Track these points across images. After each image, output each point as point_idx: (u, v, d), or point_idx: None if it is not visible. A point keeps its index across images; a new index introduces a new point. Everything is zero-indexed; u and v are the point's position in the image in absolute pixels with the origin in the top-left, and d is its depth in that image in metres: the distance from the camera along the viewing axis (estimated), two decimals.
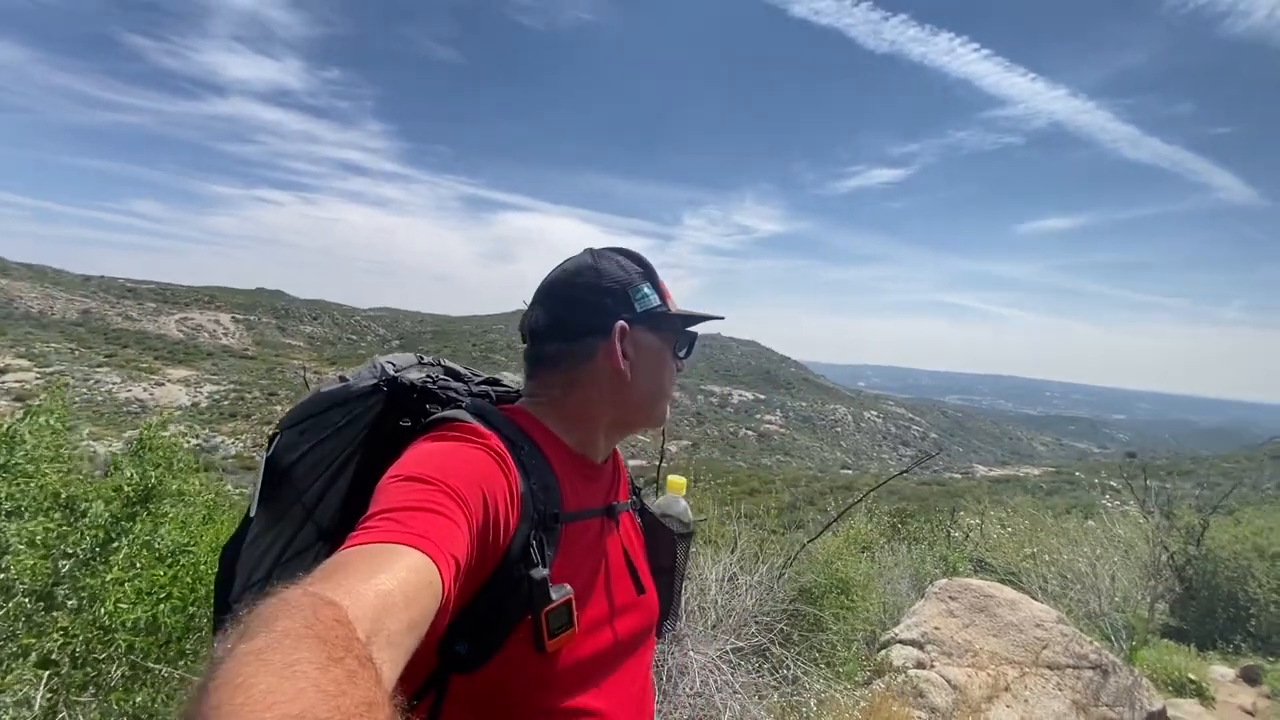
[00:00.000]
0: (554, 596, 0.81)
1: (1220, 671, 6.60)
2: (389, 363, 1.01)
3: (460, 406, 0.94)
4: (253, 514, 0.95)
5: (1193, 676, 5.99)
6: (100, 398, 55.62)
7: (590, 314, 0.97)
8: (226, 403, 62.76)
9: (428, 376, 1.02)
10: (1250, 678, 6.41)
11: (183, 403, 59.31)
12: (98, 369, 60.24)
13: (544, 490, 0.87)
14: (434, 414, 0.94)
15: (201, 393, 63.08)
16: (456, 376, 1.08)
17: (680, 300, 1.08)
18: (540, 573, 0.81)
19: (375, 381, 0.97)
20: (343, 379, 0.99)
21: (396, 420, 0.97)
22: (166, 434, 3.33)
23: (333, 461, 0.96)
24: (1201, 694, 5.78)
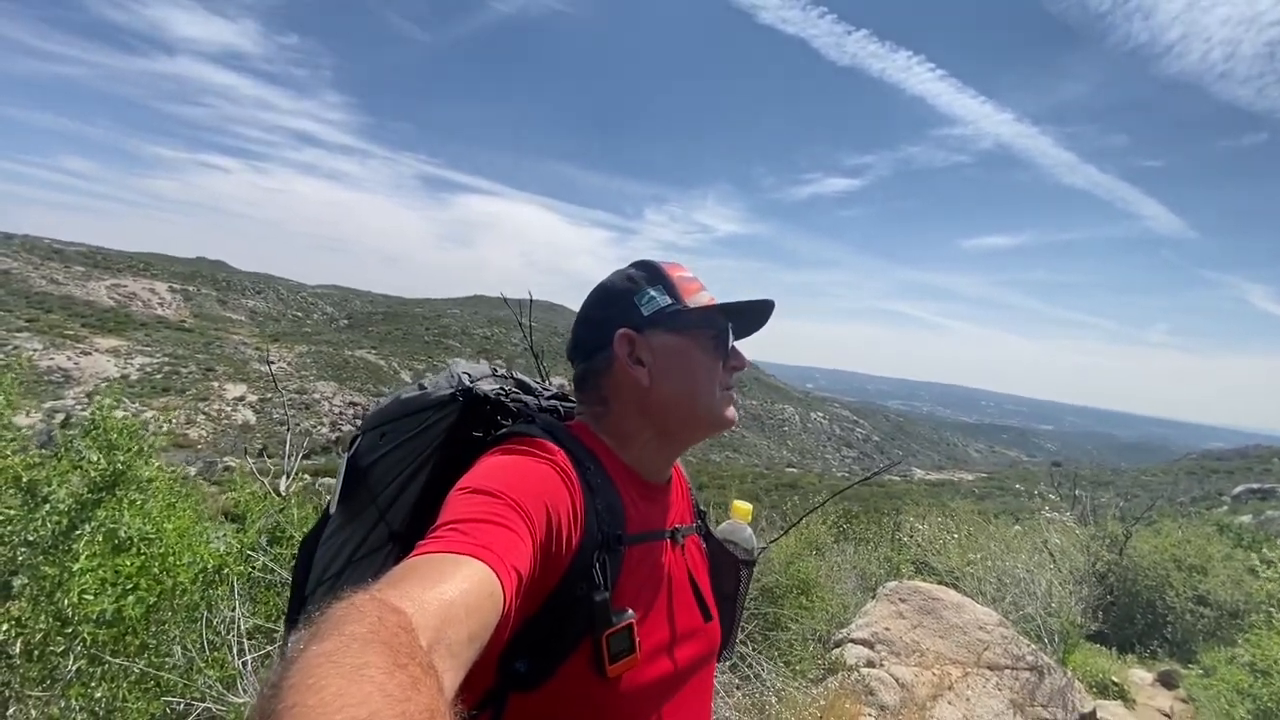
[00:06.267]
0: (615, 620, 0.81)
1: (1139, 675, 7.02)
2: (465, 373, 1.02)
3: (530, 421, 0.95)
4: (331, 510, 0.98)
5: (1115, 679, 6.36)
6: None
7: (598, 329, 0.99)
8: (159, 376, 59.87)
9: (500, 389, 1.02)
10: (1167, 682, 6.83)
11: (110, 374, 56.26)
12: (16, 334, 56.52)
13: (608, 510, 0.86)
14: (504, 426, 0.94)
15: (132, 364, 59.95)
16: (527, 389, 1.08)
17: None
18: (602, 595, 0.80)
19: (452, 391, 0.98)
20: (422, 387, 1.00)
21: (469, 430, 0.97)
22: (119, 414, 3.18)
23: (407, 466, 0.97)
24: (1124, 696, 6.13)
